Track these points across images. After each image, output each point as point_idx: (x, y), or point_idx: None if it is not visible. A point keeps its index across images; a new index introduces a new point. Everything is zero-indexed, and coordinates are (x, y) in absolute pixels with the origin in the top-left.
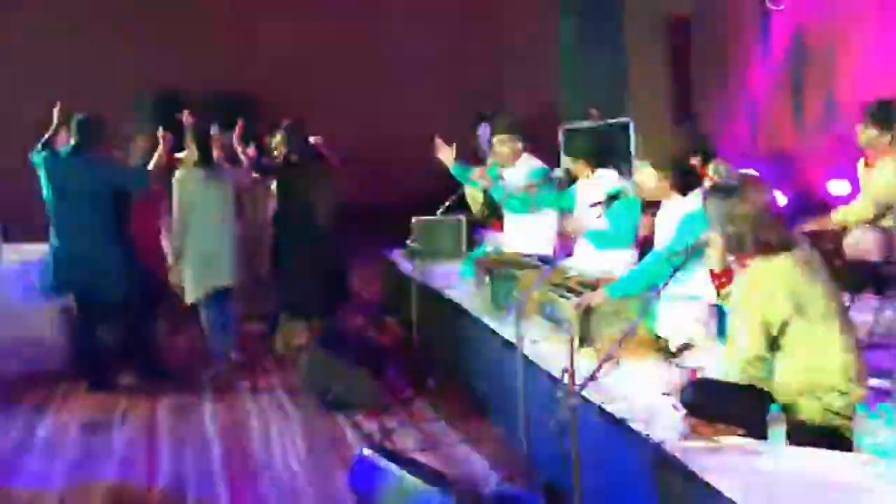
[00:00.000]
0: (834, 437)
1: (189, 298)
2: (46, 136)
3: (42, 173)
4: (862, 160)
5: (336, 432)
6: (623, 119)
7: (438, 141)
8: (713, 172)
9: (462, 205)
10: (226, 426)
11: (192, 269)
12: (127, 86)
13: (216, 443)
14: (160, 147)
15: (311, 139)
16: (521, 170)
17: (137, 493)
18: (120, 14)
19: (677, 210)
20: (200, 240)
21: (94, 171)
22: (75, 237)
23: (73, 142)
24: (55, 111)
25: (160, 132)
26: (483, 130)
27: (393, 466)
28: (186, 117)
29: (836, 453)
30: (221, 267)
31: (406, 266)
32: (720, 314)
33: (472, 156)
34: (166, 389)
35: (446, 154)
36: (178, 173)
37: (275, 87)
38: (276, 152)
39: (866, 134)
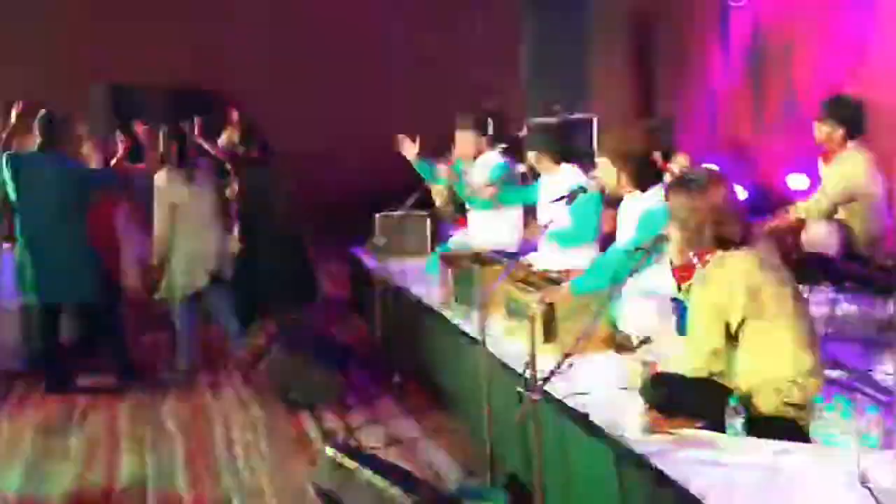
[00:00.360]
0: (791, 429)
1: (178, 298)
2: (3, 135)
3: (7, 173)
4: (820, 155)
5: (299, 431)
6: (586, 115)
7: (401, 137)
8: (674, 167)
9: (426, 200)
10: (187, 426)
11: (179, 270)
12: (81, 83)
13: (178, 443)
14: (120, 151)
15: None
16: (484, 165)
17: (96, 496)
18: (72, 9)
19: (638, 205)
20: (188, 241)
21: (64, 169)
22: (45, 237)
23: (39, 140)
24: (13, 111)
25: (119, 136)
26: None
27: (356, 465)
28: (140, 128)
29: (794, 444)
30: (208, 265)
31: (370, 262)
32: (680, 308)
33: (444, 151)
34: (126, 390)
35: (409, 149)
36: (159, 176)
37: (236, 84)
38: (234, 148)
39: (823, 129)
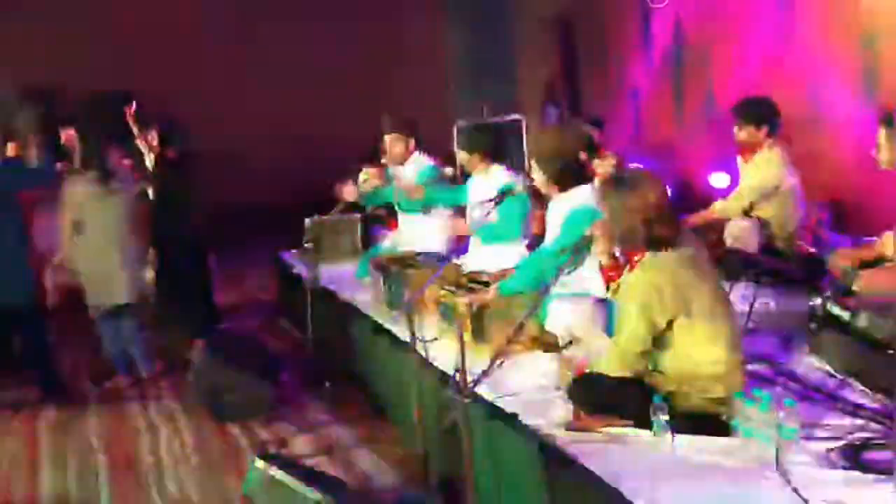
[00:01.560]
0: (714, 424)
1: (91, 312)
2: None
3: None
4: (739, 154)
5: (229, 442)
6: (514, 116)
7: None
8: (599, 167)
9: (357, 204)
10: (112, 440)
11: (87, 285)
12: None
13: (102, 457)
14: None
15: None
16: (413, 168)
17: None
18: None
19: (564, 206)
20: (91, 257)
21: (10, 173)
22: None
23: None
24: None
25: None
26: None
27: (286, 476)
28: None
29: (716, 439)
30: (117, 284)
31: (300, 267)
32: (608, 309)
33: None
34: (49, 403)
35: (349, 194)
36: (70, 183)
37: (160, 86)
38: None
39: (744, 131)
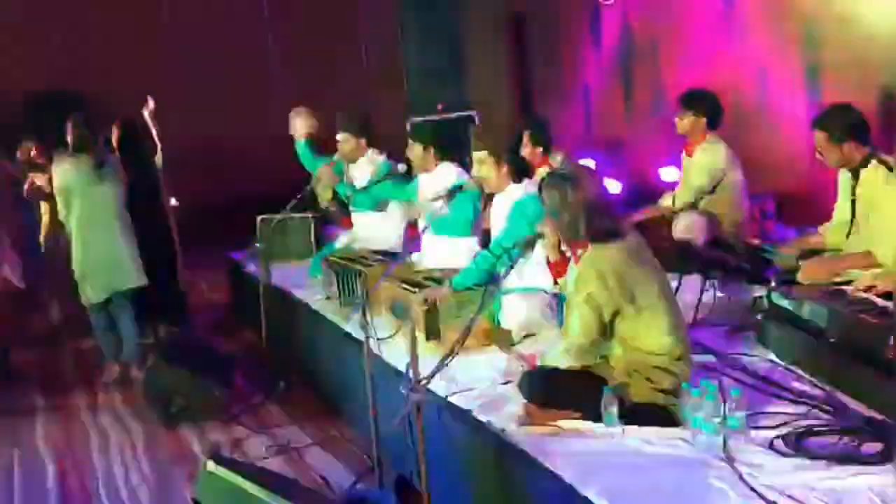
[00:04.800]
0: (663, 415)
1: (93, 299)
2: None
3: None
4: (684, 148)
5: (182, 445)
6: (467, 113)
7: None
8: (553, 163)
9: (310, 202)
10: (61, 445)
11: (87, 272)
12: None
13: (50, 464)
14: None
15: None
16: (366, 165)
17: None
18: None
19: (508, 199)
20: (91, 241)
21: None
22: None
23: None
24: None
25: None
26: None
27: (239, 479)
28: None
29: (665, 429)
30: (117, 269)
31: (253, 267)
32: (560, 303)
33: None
34: None
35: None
36: (59, 165)
37: (111, 85)
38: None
39: (685, 122)
